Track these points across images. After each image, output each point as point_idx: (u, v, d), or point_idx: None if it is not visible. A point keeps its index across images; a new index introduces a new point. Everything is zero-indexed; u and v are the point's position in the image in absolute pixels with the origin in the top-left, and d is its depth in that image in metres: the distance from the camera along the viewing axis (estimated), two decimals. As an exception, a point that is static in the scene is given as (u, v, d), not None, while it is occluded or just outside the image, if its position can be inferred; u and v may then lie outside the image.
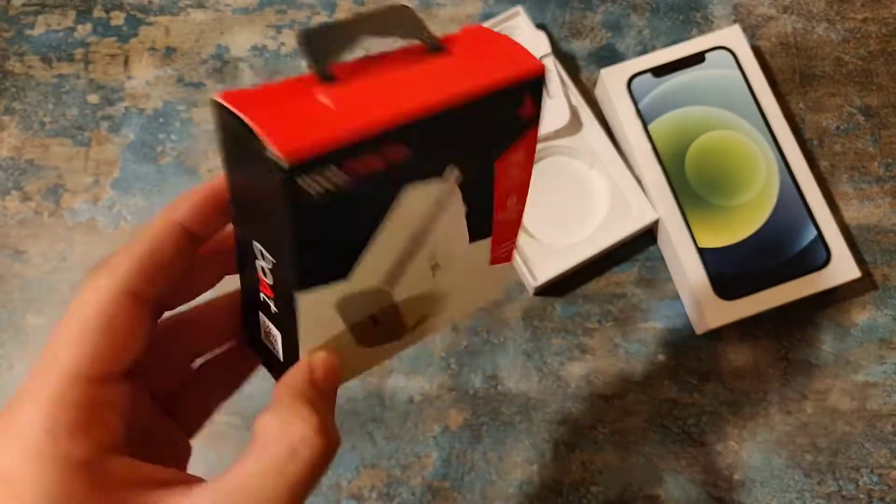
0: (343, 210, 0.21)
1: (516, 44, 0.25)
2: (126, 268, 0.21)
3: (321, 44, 0.21)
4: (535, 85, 0.24)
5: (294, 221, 0.20)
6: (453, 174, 0.24)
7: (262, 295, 0.24)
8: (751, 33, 0.50)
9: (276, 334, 0.25)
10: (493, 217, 0.27)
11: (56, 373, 0.20)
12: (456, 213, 0.25)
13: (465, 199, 0.25)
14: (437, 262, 0.26)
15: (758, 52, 0.50)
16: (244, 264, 0.24)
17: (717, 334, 0.46)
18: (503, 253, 0.29)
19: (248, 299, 0.25)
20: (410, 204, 0.23)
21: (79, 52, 0.53)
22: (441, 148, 0.23)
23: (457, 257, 0.27)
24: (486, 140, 0.25)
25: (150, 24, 0.53)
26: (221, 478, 0.20)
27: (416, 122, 0.21)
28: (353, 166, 0.20)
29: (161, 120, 0.51)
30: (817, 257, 0.44)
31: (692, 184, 0.46)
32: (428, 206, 0.24)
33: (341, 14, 0.52)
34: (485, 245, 0.28)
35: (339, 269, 0.23)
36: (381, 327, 0.26)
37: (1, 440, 0.19)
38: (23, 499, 0.18)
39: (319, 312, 0.23)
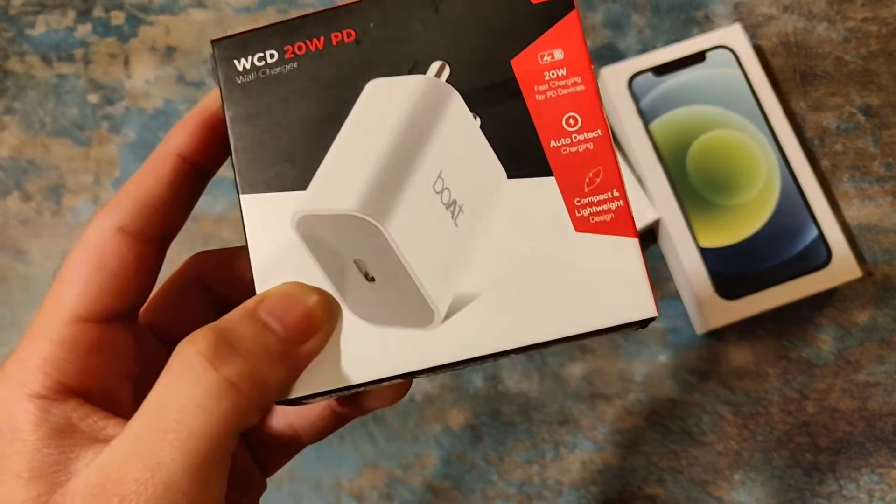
0: (286, 96, 0.20)
1: None
2: (121, 206, 0.21)
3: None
4: None
5: (226, 100, 0.20)
6: (436, 67, 0.21)
7: None
8: (752, 32, 0.50)
9: None
10: (541, 144, 0.20)
11: (49, 312, 0.20)
12: (460, 122, 0.20)
13: (480, 112, 0.21)
14: (454, 197, 0.20)
15: (759, 52, 0.50)
16: None
17: (717, 334, 0.46)
18: (598, 213, 0.20)
19: None
20: (377, 99, 0.21)
21: (79, 52, 0.53)
22: (408, 35, 0.21)
23: (488, 196, 0.20)
24: (482, 33, 0.21)
25: (150, 23, 0.53)
26: (131, 423, 0.19)
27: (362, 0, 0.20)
28: (288, 47, 0.20)
29: (162, 119, 0.51)
30: (818, 257, 0.44)
31: (693, 183, 0.46)
32: (405, 105, 0.20)
33: (342, 13, 0.52)
34: (547, 190, 0.20)
35: (290, 172, 0.20)
36: (384, 292, 0.20)
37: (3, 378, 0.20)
38: None
39: (275, 230, 0.20)
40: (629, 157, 0.48)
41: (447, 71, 0.21)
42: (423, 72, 0.21)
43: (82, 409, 0.19)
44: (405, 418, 0.46)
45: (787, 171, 0.46)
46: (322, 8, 0.21)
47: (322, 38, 0.21)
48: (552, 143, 0.20)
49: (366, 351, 0.20)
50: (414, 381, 0.46)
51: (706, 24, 0.51)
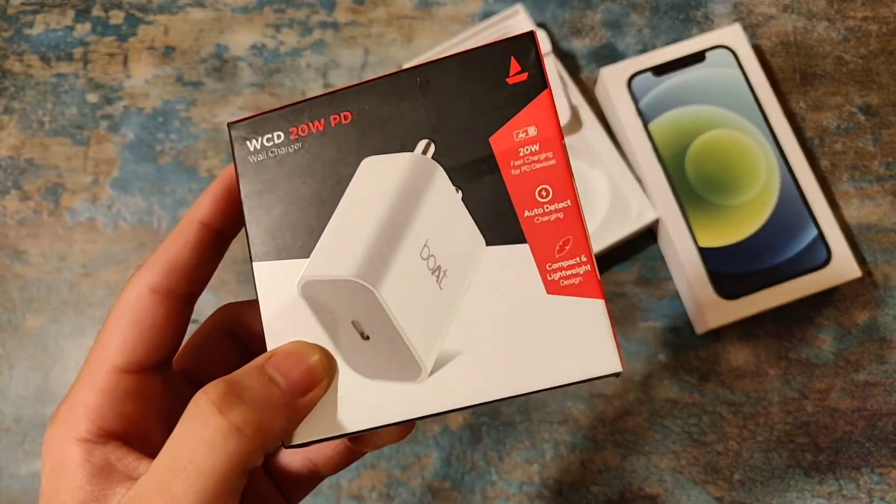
0: (291, 174, 0.23)
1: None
2: (152, 268, 0.24)
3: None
4: (518, 46, 0.23)
5: (240, 177, 0.23)
6: (422, 145, 0.23)
7: None
8: (751, 32, 0.50)
9: None
10: (516, 215, 0.22)
11: (94, 363, 0.23)
12: (444, 195, 0.22)
13: (462, 186, 0.23)
14: (438, 263, 0.22)
15: (758, 51, 0.50)
16: None
17: (717, 334, 0.46)
18: (568, 277, 0.22)
19: None
20: (370, 175, 0.23)
21: (78, 52, 0.52)
22: (398, 117, 0.23)
23: (469, 262, 0.22)
24: (464, 112, 0.23)
25: (149, 23, 0.53)
26: (155, 463, 0.21)
27: (358, 84, 0.23)
28: (293, 129, 0.23)
29: (160, 119, 0.51)
30: (818, 257, 0.44)
31: (692, 183, 0.46)
32: (396, 180, 0.23)
33: (340, 13, 0.52)
34: (521, 256, 0.22)
35: (295, 242, 0.23)
36: (377, 349, 0.22)
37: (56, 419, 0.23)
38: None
39: (283, 294, 0.23)
40: (629, 157, 0.48)
41: (432, 148, 0.23)
42: (412, 149, 0.23)
43: (120, 451, 0.22)
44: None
45: (787, 170, 0.46)
46: (322, 92, 0.24)
47: (322, 121, 0.23)
48: (526, 213, 0.22)
49: (361, 402, 0.22)
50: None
51: (705, 24, 0.51)
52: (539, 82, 0.23)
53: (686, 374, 0.46)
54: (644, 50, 0.51)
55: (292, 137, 0.23)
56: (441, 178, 0.23)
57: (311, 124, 0.23)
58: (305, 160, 0.23)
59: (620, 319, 0.47)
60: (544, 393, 0.45)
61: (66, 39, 0.53)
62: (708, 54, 0.48)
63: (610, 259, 0.47)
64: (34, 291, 0.49)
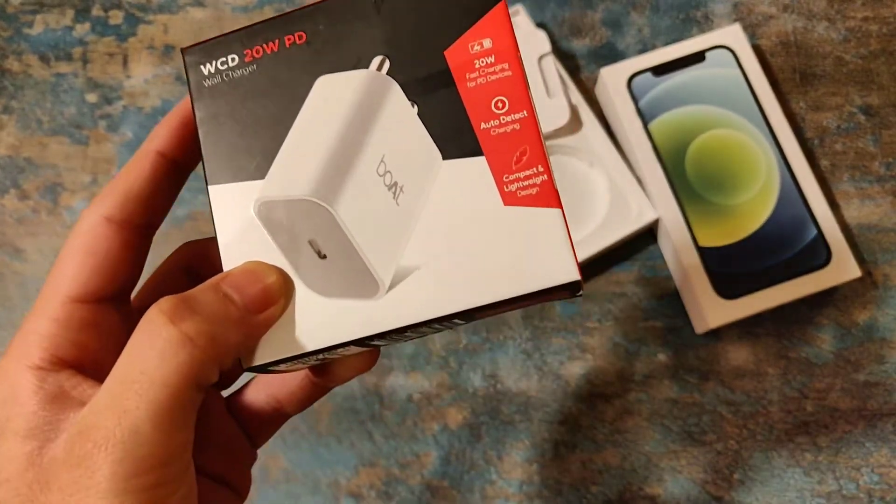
0: (246, 96, 0.23)
1: None
2: (108, 198, 0.24)
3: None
4: None
5: (195, 102, 0.23)
6: (377, 61, 0.23)
7: None
8: (751, 32, 0.50)
9: None
10: (472, 127, 0.22)
11: (47, 293, 0.23)
12: (399, 111, 0.22)
13: (417, 101, 0.23)
14: (395, 179, 0.22)
15: (758, 51, 0.50)
16: None
17: (717, 333, 0.46)
18: (525, 188, 0.22)
19: None
20: (325, 94, 0.23)
21: (77, 51, 0.52)
22: (353, 35, 0.23)
23: (426, 176, 0.22)
24: (418, 27, 0.23)
25: (148, 22, 0.53)
26: (107, 379, 0.21)
27: (313, 5, 0.23)
28: (247, 51, 0.23)
29: (159, 118, 0.51)
30: (818, 256, 0.44)
31: (692, 183, 0.46)
32: (350, 98, 0.23)
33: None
34: (478, 168, 0.22)
35: (251, 163, 0.23)
36: (334, 267, 0.22)
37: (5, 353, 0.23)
38: None
39: (239, 217, 0.23)
40: (629, 157, 0.48)
41: (387, 64, 0.23)
42: (367, 67, 0.23)
43: (74, 379, 0.22)
44: (403, 417, 0.45)
45: (787, 170, 0.46)
46: (276, 14, 0.24)
47: (277, 41, 0.23)
48: (482, 125, 0.22)
49: (320, 321, 0.22)
50: (413, 380, 0.46)
51: (705, 24, 0.51)
52: None
53: (686, 374, 0.46)
54: (644, 50, 0.51)
55: (247, 60, 0.23)
56: (396, 93, 0.22)
57: (265, 46, 0.23)
58: (260, 82, 0.23)
59: (620, 319, 0.46)
60: (545, 395, 0.45)
61: (66, 39, 0.53)
62: (708, 54, 0.48)
63: (610, 259, 0.47)
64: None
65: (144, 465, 0.19)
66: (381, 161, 0.22)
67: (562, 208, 0.21)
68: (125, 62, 0.52)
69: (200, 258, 0.27)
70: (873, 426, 0.44)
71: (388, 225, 0.22)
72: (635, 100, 0.47)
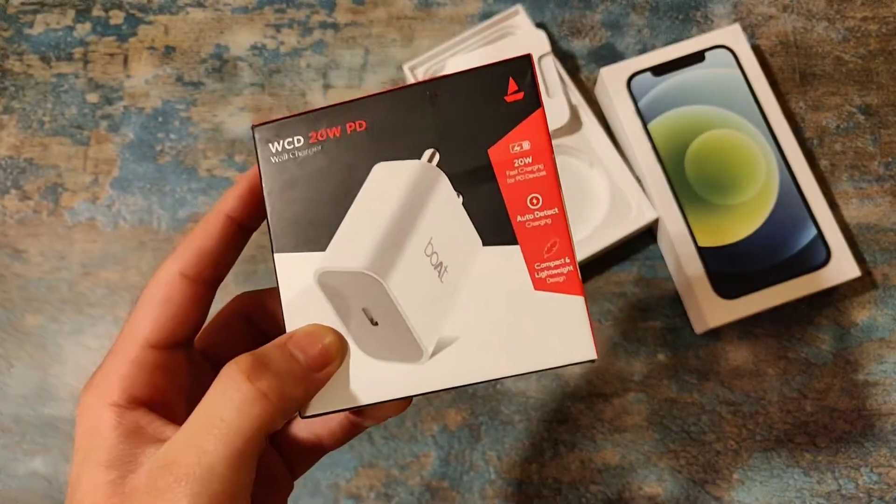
0: (310, 175, 0.26)
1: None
2: (183, 254, 0.26)
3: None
4: (516, 67, 0.25)
5: (263, 176, 0.26)
6: (428, 154, 0.25)
7: None
8: (751, 32, 0.50)
9: None
10: (510, 219, 0.25)
11: (127, 336, 0.26)
12: (446, 200, 0.25)
13: (463, 191, 0.25)
14: (440, 260, 0.25)
15: (758, 51, 0.50)
16: None
17: (716, 333, 0.46)
18: (553, 275, 0.25)
19: None
20: (382, 179, 0.25)
21: (78, 52, 0.53)
22: (408, 126, 0.25)
23: (467, 259, 0.25)
24: (467, 125, 0.25)
25: (149, 23, 0.53)
26: (188, 421, 0.24)
27: (373, 95, 0.26)
28: (312, 133, 0.26)
29: (160, 119, 0.51)
30: (817, 256, 0.44)
31: (692, 183, 0.46)
32: (404, 185, 0.25)
33: (340, 13, 0.52)
34: (513, 256, 0.25)
35: (313, 236, 0.26)
36: (384, 333, 0.25)
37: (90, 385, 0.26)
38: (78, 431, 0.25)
39: (301, 282, 0.25)
40: (628, 157, 0.48)
41: (437, 157, 0.25)
42: (419, 157, 0.25)
43: (148, 417, 0.25)
44: (403, 418, 0.46)
45: (786, 170, 0.46)
46: (339, 101, 0.26)
47: (339, 128, 0.26)
48: (518, 218, 0.25)
49: (369, 379, 0.25)
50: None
51: (705, 24, 0.51)
52: (534, 101, 0.25)
53: (685, 374, 0.46)
54: (643, 50, 0.51)
55: (311, 141, 0.26)
56: (444, 183, 0.25)
57: (329, 130, 0.26)
58: (323, 163, 0.26)
59: (620, 319, 0.47)
60: (545, 395, 0.45)
61: (67, 39, 0.53)
62: (707, 54, 0.48)
63: (609, 259, 0.47)
64: (33, 291, 0.49)
65: (217, 499, 0.22)
66: (429, 243, 0.25)
67: (584, 296, 0.25)
68: (126, 62, 0.52)
69: (258, 308, 0.30)
70: (872, 426, 0.44)
71: (433, 299, 0.25)
72: (635, 100, 0.47)
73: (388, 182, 0.25)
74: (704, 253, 0.45)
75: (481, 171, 0.25)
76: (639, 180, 0.47)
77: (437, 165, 0.25)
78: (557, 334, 0.24)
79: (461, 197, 0.25)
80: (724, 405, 0.45)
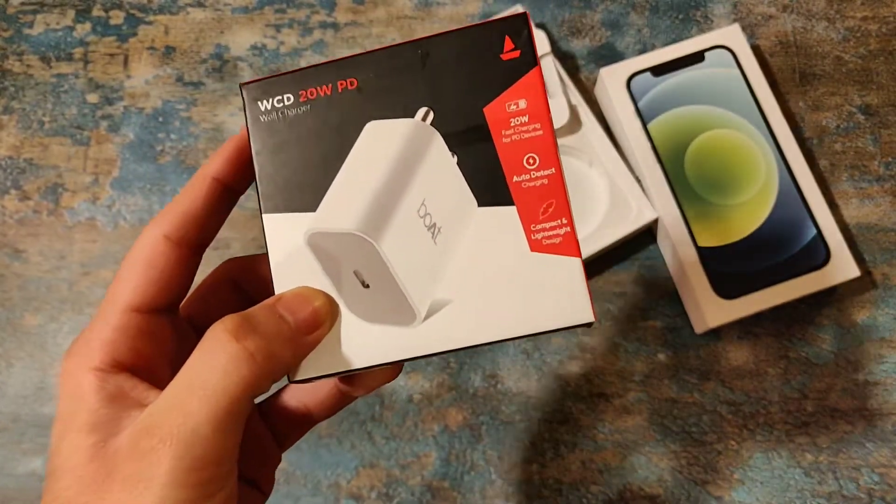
0: (300, 134, 0.25)
1: None
2: (167, 217, 0.26)
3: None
4: (512, 26, 0.25)
5: (252, 135, 0.25)
6: (422, 112, 0.25)
7: None
8: (750, 32, 0.50)
9: None
10: (505, 179, 0.24)
11: (109, 302, 0.25)
12: (440, 159, 0.25)
13: (457, 151, 0.25)
14: (434, 221, 0.24)
15: (757, 51, 0.50)
16: None
17: (716, 333, 0.46)
18: (550, 237, 0.24)
19: None
20: (374, 138, 0.25)
21: (78, 52, 0.53)
22: (401, 84, 0.25)
23: (461, 220, 0.24)
24: (461, 83, 0.25)
25: (149, 23, 0.53)
26: (171, 384, 0.23)
27: (364, 53, 0.25)
28: (302, 92, 0.25)
29: (160, 119, 0.51)
30: (817, 256, 0.44)
31: (692, 183, 0.46)
32: (397, 144, 0.25)
33: (340, 13, 0.52)
34: (509, 216, 0.24)
35: (303, 196, 0.25)
36: (376, 296, 0.24)
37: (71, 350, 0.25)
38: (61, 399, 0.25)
39: (290, 244, 0.25)
40: (628, 157, 0.48)
41: (431, 116, 0.25)
42: (412, 116, 0.25)
43: (131, 381, 0.24)
44: (403, 418, 0.46)
45: (786, 170, 0.46)
46: (329, 59, 0.25)
47: (330, 86, 0.25)
48: (514, 178, 0.24)
49: (360, 343, 0.24)
50: (413, 381, 0.46)
51: (705, 24, 0.51)
52: (530, 59, 0.25)
53: (686, 374, 0.46)
54: (643, 50, 0.51)
55: (301, 100, 0.25)
56: (438, 143, 0.25)
57: (319, 88, 0.25)
58: (313, 121, 0.25)
59: (620, 319, 0.47)
60: (545, 394, 0.45)
61: (66, 39, 0.53)
62: (707, 54, 0.48)
63: (609, 259, 0.47)
64: (33, 290, 0.49)
65: (201, 462, 0.21)
66: (423, 204, 0.24)
67: (581, 257, 0.24)
68: (126, 63, 0.52)
69: (246, 273, 0.29)
70: (873, 426, 0.44)
71: (426, 261, 0.24)
72: (635, 100, 0.47)
73: (381, 141, 0.25)
74: (704, 253, 0.45)
75: (476, 130, 0.25)
76: (638, 180, 0.47)
77: (431, 124, 0.25)
78: (554, 297, 0.24)
79: (455, 156, 0.25)
80: (725, 405, 0.45)
